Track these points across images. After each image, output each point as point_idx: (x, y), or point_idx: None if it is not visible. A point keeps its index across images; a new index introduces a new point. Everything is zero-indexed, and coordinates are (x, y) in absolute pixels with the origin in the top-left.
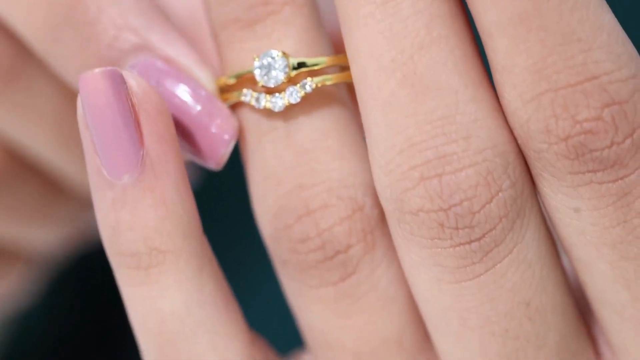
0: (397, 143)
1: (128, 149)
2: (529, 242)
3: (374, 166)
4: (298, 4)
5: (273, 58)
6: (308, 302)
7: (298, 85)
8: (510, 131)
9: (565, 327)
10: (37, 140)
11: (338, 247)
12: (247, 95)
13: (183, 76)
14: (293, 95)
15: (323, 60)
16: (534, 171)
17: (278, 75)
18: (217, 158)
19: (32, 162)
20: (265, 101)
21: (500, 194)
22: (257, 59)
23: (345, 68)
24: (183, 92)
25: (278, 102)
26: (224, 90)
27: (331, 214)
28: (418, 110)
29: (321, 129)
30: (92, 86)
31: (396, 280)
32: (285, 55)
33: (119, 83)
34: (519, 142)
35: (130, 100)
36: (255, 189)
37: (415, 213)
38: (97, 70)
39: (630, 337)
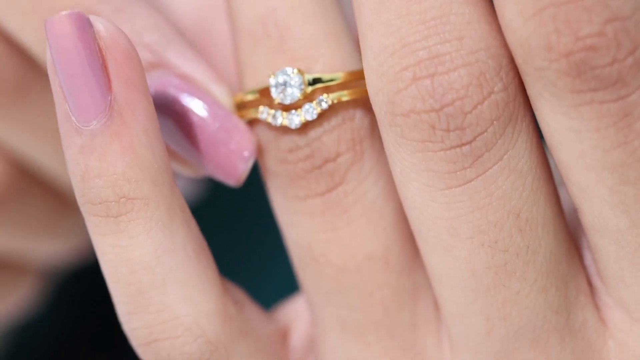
0: (390, 44)
1: (96, 94)
2: (520, 150)
3: (367, 71)
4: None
5: (288, 75)
6: (296, 215)
7: (314, 102)
8: (503, 37)
9: (555, 246)
10: (43, 154)
11: (326, 155)
12: (264, 112)
13: (200, 93)
14: (309, 112)
15: (339, 75)
16: (534, 92)
17: (294, 93)
18: (236, 175)
19: (38, 175)
20: (282, 118)
21: (492, 96)
22: (272, 77)
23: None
24: (200, 109)
25: (294, 119)
26: (240, 106)
27: (320, 124)
28: (411, 10)
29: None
30: (59, 29)
31: (384, 195)
32: (300, 72)
33: (85, 26)
34: (519, 62)
35: (98, 44)
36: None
37: (406, 114)
38: (63, 12)
39: (627, 266)
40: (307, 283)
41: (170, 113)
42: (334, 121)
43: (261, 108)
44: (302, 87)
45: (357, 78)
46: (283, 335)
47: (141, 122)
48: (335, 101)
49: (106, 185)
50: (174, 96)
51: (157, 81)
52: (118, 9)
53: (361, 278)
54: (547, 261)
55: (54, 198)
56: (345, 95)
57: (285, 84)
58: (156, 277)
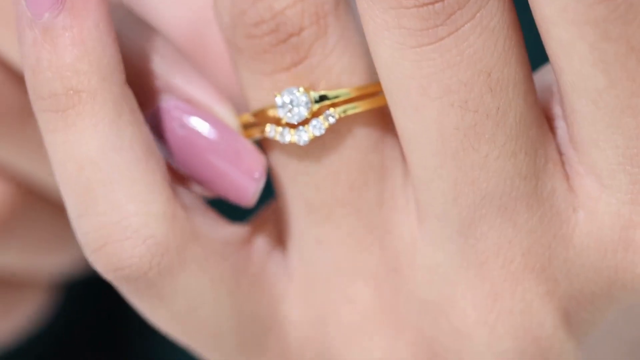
0: None
1: None
2: (492, 9)
3: None
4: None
5: (294, 94)
6: (262, 92)
7: (321, 117)
8: None
9: (526, 110)
10: (48, 172)
11: (291, 29)
12: (271, 130)
13: (207, 115)
14: (317, 127)
15: (345, 92)
16: None
17: (301, 112)
18: (247, 196)
19: (43, 192)
20: (290, 135)
21: None
22: (278, 96)
23: (371, 95)
24: (208, 132)
25: (303, 135)
26: (246, 126)
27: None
28: None
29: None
30: None
31: (349, 69)
32: (306, 90)
33: None
34: None
35: None
36: None
37: None
38: None
39: (602, 128)
40: (274, 166)
41: (178, 137)
42: None
43: (268, 127)
44: (309, 105)
45: (367, 91)
46: (246, 238)
47: (92, 16)
48: (343, 115)
49: (55, 77)
50: (182, 120)
51: (164, 105)
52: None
53: (327, 156)
54: (516, 124)
55: (59, 213)
56: (352, 108)
57: (291, 103)
58: (103, 174)
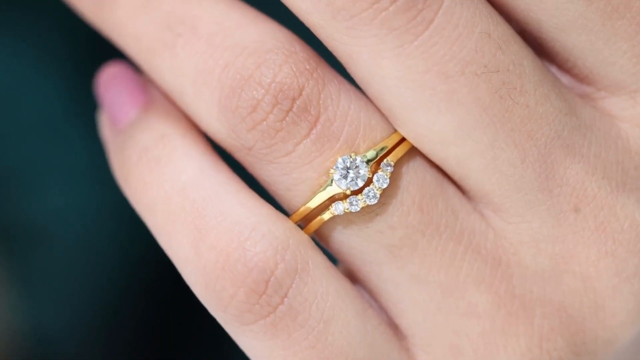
0: None
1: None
2: None
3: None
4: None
5: (346, 162)
6: (304, 181)
7: (380, 170)
8: None
9: (533, 57)
10: None
11: (291, 93)
12: (339, 207)
13: None
14: (381, 181)
15: (387, 143)
16: None
17: (364, 173)
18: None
19: None
20: (361, 200)
21: None
22: (334, 172)
23: None
24: None
25: (371, 195)
26: (307, 219)
27: (268, 67)
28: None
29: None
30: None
31: (365, 108)
32: (356, 154)
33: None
34: None
35: None
36: None
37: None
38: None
39: (603, 43)
40: (341, 243)
41: None
42: (280, 59)
43: (334, 206)
44: (367, 166)
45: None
46: None
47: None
48: (396, 160)
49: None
50: None
51: None
52: None
53: (393, 198)
54: (534, 71)
55: None
56: (401, 151)
57: (348, 169)
58: (207, 191)
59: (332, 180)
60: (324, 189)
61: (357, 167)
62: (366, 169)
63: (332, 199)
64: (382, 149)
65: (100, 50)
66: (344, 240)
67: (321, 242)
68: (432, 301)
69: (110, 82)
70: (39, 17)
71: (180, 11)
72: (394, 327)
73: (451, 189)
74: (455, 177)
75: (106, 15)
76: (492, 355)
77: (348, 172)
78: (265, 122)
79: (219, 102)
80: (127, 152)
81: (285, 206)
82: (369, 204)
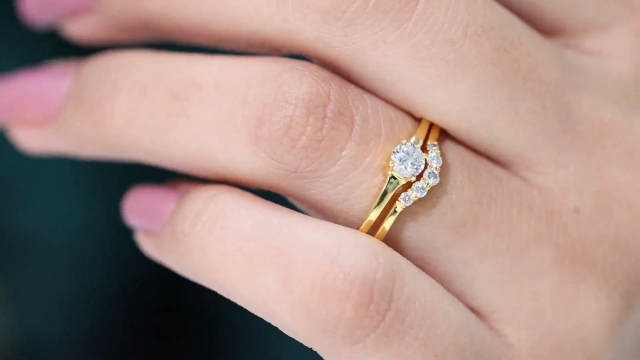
0: None
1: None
2: None
3: None
4: None
5: (402, 150)
6: (342, 178)
7: (429, 151)
8: None
9: (513, 15)
10: None
11: (321, 100)
12: (406, 198)
13: None
14: (435, 159)
15: (419, 133)
16: None
17: (420, 155)
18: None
19: None
20: (425, 183)
21: None
22: (393, 163)
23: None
24: None
25: (432, 176)
26: (375, 227)
27: (289, 84)
28: None
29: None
30: None
31: (386, 105)
32: (405, 140)
33: None
34: None
35: None
36: None
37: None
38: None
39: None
40: (410, 237)
41: None
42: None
43: (401, 197)
44: (416, 146)
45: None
46: None
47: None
48: (436, 140)
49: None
50: None
51: None
52: None
53: (445, 175)
54: (522, 25)
55: None
56: (435, 131)
57: (407, 157)
58: (277, 228)
59: (390, 177)
60: (387, 185)
61: (411, 152)
62: (421, 153)
63: (395, 197)
64: (420, 137)
65: None
66: (413, 234)
67: (390, 246)
68: (503, 271)
69: (136, 199)
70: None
71: (179, 79)
72: (474, 310)
73: (486, 161)
74: (485, 146)
75: (106, 127)
76: (569, 306)
77: (406, 159)
78: (304, 137)
79: (250, 138)
80: (177, 228)
81: (343, 221)
82: (433, 184)
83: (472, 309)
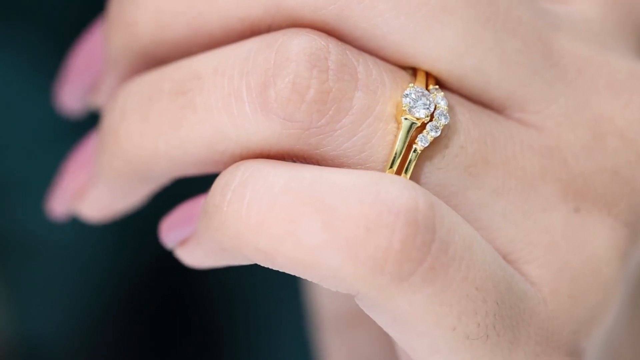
0: None
1: None
2: None
3: None
4: None
5: (411, 92)
6: (356, 127)
7: (433, 93)
8: None
9: None
10: None
11: (321, 53)
12: (423, 139)
13: None
14: (442, 101)
15: (420, 79)
16: None
17: (429, 96)
18: None
19: None
20: (440, 121)
21: None
22: (407, 107)
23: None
24: None
25: (443, 115)
26: (397, 173)
27: (286, 46)
28: None
29: None
30: None
31: (382, 61)
32: (412, 84)
33: None
34: None
35: None
36: None
37: None
38: None
39: None
40: (431, 179)
41: None
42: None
43: (419, 138)
44: (426, 92)
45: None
46: None
47: None
48: (435, 84)
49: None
50: None
51: None
52: None
53: (454, 116)
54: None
55: None
56: (431, 81)
57: (418, 97)
58: (310, 179)
59: (405, 120)
60: (403, 132)
61: (420, 95)
62: (429, 94)
63: (412, 140)
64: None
65: None
66: (430, 179)
67: None
68: (516, 209)
69: (169, 218)
70: (35, 31)
71: (180, 76)
72: None
73: (481, 107)
74: (477, 90)
75: (126, 150)
76: (580, 236)
77: (418, 100)
78: (312, 90)
79: (259, 105)
80: (209, 207)
81: None
82: (445, 123)
83: None
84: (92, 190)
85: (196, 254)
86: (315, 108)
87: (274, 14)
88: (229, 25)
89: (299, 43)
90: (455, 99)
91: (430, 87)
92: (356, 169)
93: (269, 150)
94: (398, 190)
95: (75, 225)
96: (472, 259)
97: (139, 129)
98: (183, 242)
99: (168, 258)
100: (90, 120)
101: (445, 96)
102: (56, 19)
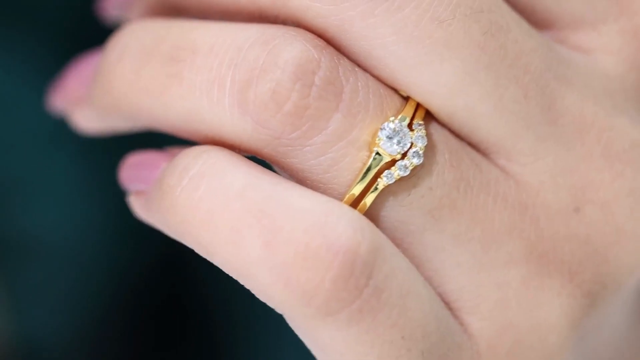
0: None
1: None
2: None
3: None
4: None
5: (390, 126)
6: (326, 148)
7: (415, 130)
8: None
9: (503, 1)
10: None
11: (310, 66)
12: (389, 176)
13: None
14: (420, 139)
15: (407, 111)
16: None
17: (407, 134)
18: None
19: None
20: (409, 161)
21: None
22: (380, 140)
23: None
24: None
25: (416, 155)
26: (356, 202)
27: (279, 48)
28: None
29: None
30: None
31: (377, 80)
32: (393, 118)
33: None
34: None
35: None
36: None
37: None
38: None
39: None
40: (385, 215)
41: None
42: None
43: (385, 174)
44: (405, 125)
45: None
46: None
47: None
48: (423, 120)
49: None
50: None
51: None
52: None
53: (428, 157)
54: (511, 12)
55: None
56: (422, 112)
57: (394, 135)
58: (267, 191)
59: (375, 154)
60: (371, 161)
61: (399, 130)
62: (408, 131)
63: (378, 173)
64: (406, 115)
65: None
66: (388, 214)
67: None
68: (473, 259)
69: (131, 164)
70: (33, 34)
71: (179, 43)
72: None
73: (467, 147)
74: (466, 130)
75: (115, 91)
76: (533, 299)
77: (392, 137)
78: (290, 102)
79: (237, 100)
80: (164, 182)
81: (324, 192)
82: (416, 164)
83: (438, 295)
84: (84, 107)
85: (145, 214)
86: (289, 120)
87: (280, 7)
88: (239, 3)
89: (292, 51)
90: (442, 134)
91: (415, 122)
92: (319, 187)
93: (239, 144)
94: (344, 228)
95: (75, 225)
96: (405, 307)
97: (130, 79)
98: (138, 194)
99: (168, 258)
100: None
101: (430, 133)
102: (55, 21)
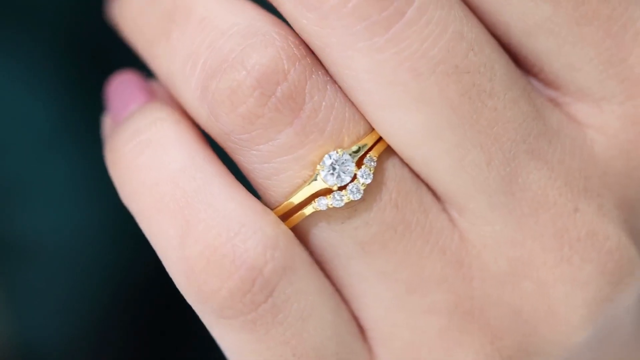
0: None
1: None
2: None
3: None
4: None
5: (333, 157)
6: (270, 158)
7: (364, 166)
8: None
9: (506, 61)
10: None
11: (275, 77)
12: (322, 202)
13: None
14: (365, 175)
15: (368, 139)
16: None
17: (351, 168)
18: None
19: None
20: (345, 195)
21: None
22: (321, 167)
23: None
24: None
25: (355, 190)
26: (288, 214)
27: (253, 49)
28: None
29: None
30: None
31: (349, 103)
32: (342, 149)
33: None
34: None
35: None
36: None
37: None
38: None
39: (570, 49)
40: (317, 239)
41: None
42: (265, 44)
43: (317, 200)
44: (354, 163)
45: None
46: None
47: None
48: (377, 155)
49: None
50: None
51: None
52: None
53: (372, 194)
54: (505, 75)
55: None
56: (381, 147)
57: (335, 165)
58: (198, 182)
59: (317, 176)
60: (309, 184)
61: (344, 162)
62: (353, 165)
63: (315, 195)
64: (365, 145)
65: (91, 72)
66: (319, 234)
67: (298, 234)
68: (395, 298)
69: (117, 85)
70: (33, 34)
71: (181, 2)
72: (355, 319)
73: (424, 188)
74: (422, 176)
75: (121, 12)
76: (446, 352)
77: (335, 167)
78: (244, 106)
79: (201, 84)
80: (118, 136)
81: (262, 194)
82: (353, 199)
83: (355, 318)
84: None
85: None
86: (240, 123)
87: (276, 5)
88: None
89: (263, 56)
90: (398, 172)
91: (369, 156)
92: (259, 189)
93: (198, 123)
94: (254, 243)
95: (74, 227)
96: (301, 329)
97: (140, 15)
98: (113, 120)
99: None
100: (89, 124)
101: (384, 168)
102: (55, 22)
